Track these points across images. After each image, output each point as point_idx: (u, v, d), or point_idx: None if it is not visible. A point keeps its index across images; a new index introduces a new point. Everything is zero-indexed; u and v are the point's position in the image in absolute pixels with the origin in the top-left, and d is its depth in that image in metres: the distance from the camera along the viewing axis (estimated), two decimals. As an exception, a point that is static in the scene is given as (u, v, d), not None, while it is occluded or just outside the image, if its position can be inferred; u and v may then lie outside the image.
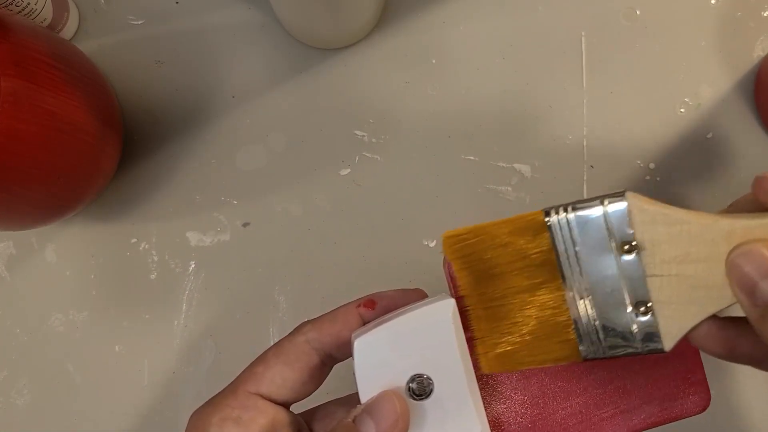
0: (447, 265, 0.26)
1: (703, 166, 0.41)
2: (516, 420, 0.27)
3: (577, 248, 0.23)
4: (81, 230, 0.42)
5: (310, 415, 0.28)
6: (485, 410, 0.25)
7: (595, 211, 0.23)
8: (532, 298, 0.24)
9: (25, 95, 0.31)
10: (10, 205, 0.33)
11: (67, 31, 0.42)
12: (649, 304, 0.23)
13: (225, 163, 0.42)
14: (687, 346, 0.24)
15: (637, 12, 0.42)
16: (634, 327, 0.23)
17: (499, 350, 0.25)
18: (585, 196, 0.37)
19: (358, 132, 0.42)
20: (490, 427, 0.26)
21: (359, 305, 0.27)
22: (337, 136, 0.42)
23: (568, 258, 0.23)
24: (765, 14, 0.41)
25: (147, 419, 0.41)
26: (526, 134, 0.41)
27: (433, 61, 0.42)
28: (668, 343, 0.23)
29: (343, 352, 0.26)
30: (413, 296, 0.27)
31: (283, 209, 0.41)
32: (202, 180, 0.42)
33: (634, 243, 0.22)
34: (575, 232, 0.23)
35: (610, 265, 0.23)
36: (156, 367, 0.41)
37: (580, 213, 0.23)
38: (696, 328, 0.23)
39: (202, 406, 0.26)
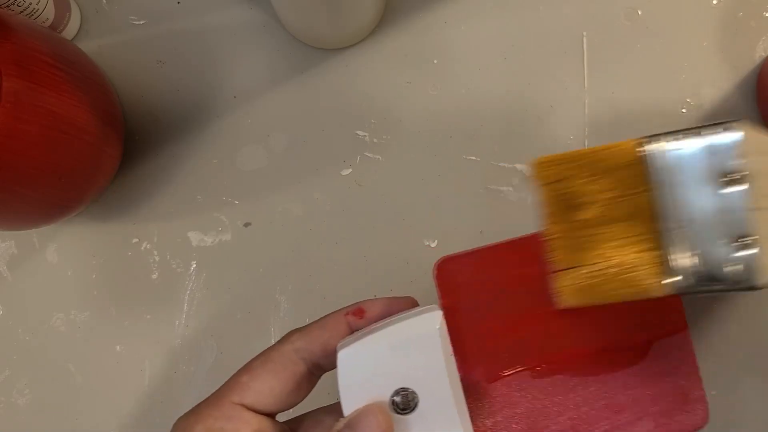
0: (436, 272, 0.26)
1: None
2: None
3: (675, 178, 0.22)
4: (82, 230, 0.42)
5: (297, 423, 0.28)
6: (473, 426, 0.25)
7: (702, 140, 0.21)
8: (624, 229, 0.23)
9: (27, 95, 0.31)
10: (12, 204, 0.33)
11: (69, 31, 0.42)
12: (750, 239, 0.21)
13: (226, 163, 0.42)
14: (686, 360, 0.23)
15: (639, 12, 0.42)
16: (731, 262, 0.21)
17: (584, 282, 0.23)
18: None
19: (359, 132, 0.42)
20: None
21: (347, 313, 0.26)
22: (339, 136, 0.42)
23: (663, 188, 0.22)
24: (767, 14, 0.41)
25: (148, 419, 0.41)
26: (527, 134, 0.41)
27: (435, 61, 0.42)
28: (765, 279, 0.21)
29: (331, 361, 0.25)
30: (403, 305, 0.26)
31: (284, 209, 0.41)
32: (203, 180, 0.42)
33: (739, 174, 0.21)
34: (675, 161, 0.22)
35: (711, 197, 0.21)
36: (157, 367, 0.41)
37: (685, 141, 0.22)
38: None
39: (187, 413, 0.25)
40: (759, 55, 0.41)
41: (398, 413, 0.24)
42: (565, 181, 0.23)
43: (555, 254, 0.24)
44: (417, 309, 0.26)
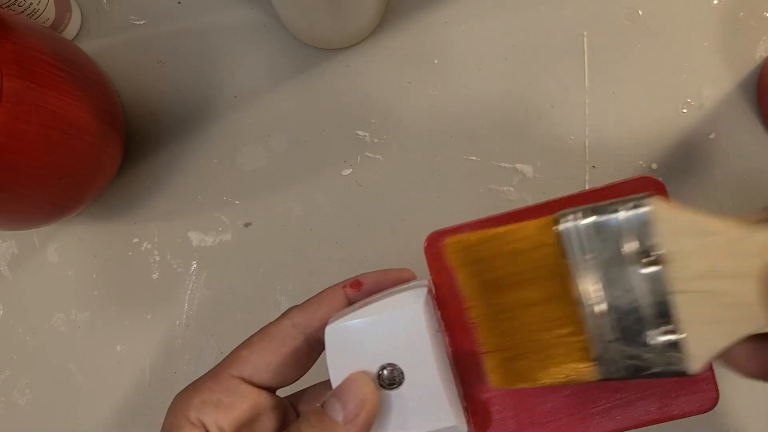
0: (426, 247, 0.25)
1: (706, 166, 0.40)
2: (498, 411, 0.25)
3: (593, 258, 0.21)
4: (83, 230, 0.42)
5: (297, 398, 0.28)
6: (468, 398, 0.25)
7: (614, 217, 0.20)
8: (544, 312, 0.22)
9: (28, 95, 0.31)
10: (13, 204, 0.33)
11: (70, 32, 0.42)
12: (674, 323, 0.20)
13: (227, 163, 0.42)
14: None
15: (639, 12, 0.42)
16: (656, 347, 0.20)
17: (508, 366, 0.23)
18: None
19: (359, 132, 0.42)
20: (469, 418, 0.25)
21: (345, 286, 0.26)
22: (339, 136, 0.42)
23: (582, 268, 0.21)
24: (767, 14, 0.41)
25: (148, 419, 0.41)
26: (528, 134, 0.41)
27: (435, 62, 0.42)
28: (695, 365, 0.20)
29: None
30: (401, 276, 0.26)
31: (284, 209, 0.41)
32: (203, 180, 0.42)
33: (658, 254, 0.20)
34: (591, 239, 0.21)
35: (631, 278, 0.20)
36: (157, 366, 0.41)
37: (597, 218, 0.21)
38: (727, 349, 0.20)
39: (184, 389, 0.26)
40: (759, 55, 0.41)
41: (385, 388, 0.24)
42: (481, 262, 0.23)
43: (480, 337, 0.23)
44: (407, 284, 0.26)
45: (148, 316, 0.41)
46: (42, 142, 0.32)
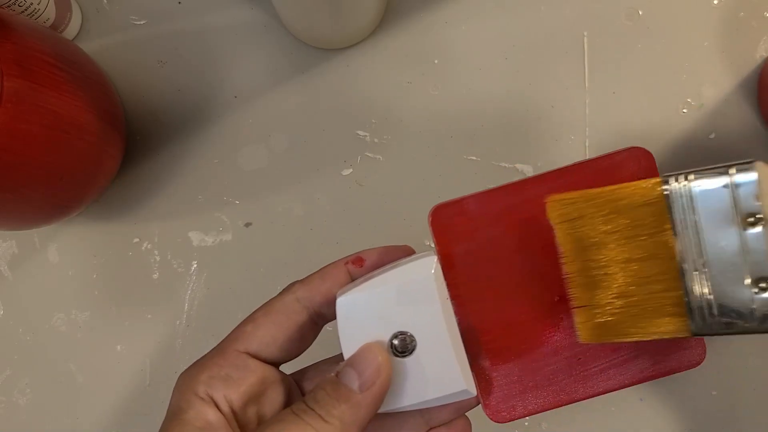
0: (431, 219, 0.26)
1: (706, 166, 0.40)
2: (502, 376, 0.26)
3: (696, 218, 0.22)
4: (83, 230, 0.42)
5: (301, 375, 0.28)
6: (471, 368, 0.25)
7: (719, 181, 0.21)
8: (642, 269, 0.23)
9: (28, 95, 0.31)
10: (13, 204, 0.33)
11: (70, 31, 0.42)
12: None
13: (227, 163, 0.42)
14: None
15: (640, 12, 0.42)
16: (753, 304, 0.21)
17: (600, 320, 0.23)
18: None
19: (360, 132, 0.42)
20: (476, 382, 0.26)
21: (347, 262, 0.27)
22: (339, 136, 0.42)
23: (685, 228, 0.22)
24: (767, 14, 0.41)
25: (149, 419, 0.41)
26: (528, 134, 0.41)
27: (435, 61, 0.42)
28: None
29: (333, 310, 0.26)
30: (401, 252, 0.27)
31: (285, 209, 0.41)
32: (204, 180, 0.42)
33: (760, 216, 0.21)
34: (695, 201, 0.22)
35: (732, 238, 0.21)
36: (158, 366, 0.41)
37: (703, 181, 0.22)
38: None
39: (190, 366, 0.26)
40: (760, 55, 0.41)
41: (397, 356, 0.24)
42: (581, 219, 0.23)
43: (574, 292, 0.24)
44: (413, 256, 0.26)
45: (149, 316, 0.41)
46: (42, 142, 0.32)
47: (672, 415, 0.40)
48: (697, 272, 0.22)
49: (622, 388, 0.26)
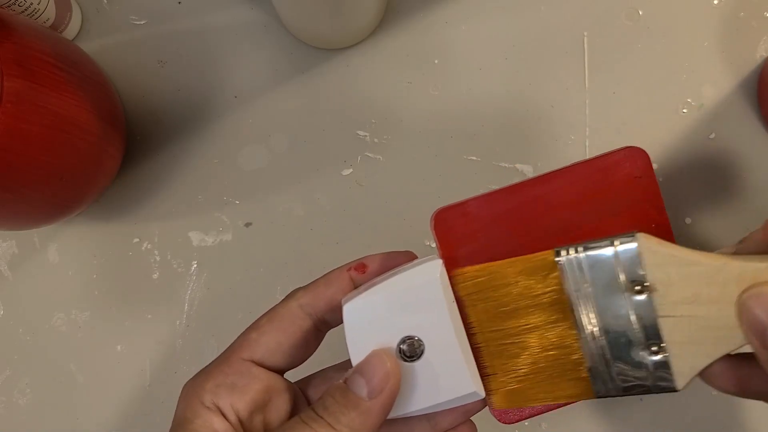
0: (433, 223, 0.26)
1: (706, 166, 0.41)
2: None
3: (588, 288, 0.23)
4: (83, 230, 0.42)
5: (306, 383, 0.28)
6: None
7: (606, 251, 0.23)
8: (544, 337, 0.24)
9: (28, 95, 0.31)
10: (13, 204, 0.33)
11: (70, 31, 0.42)
12: (661, 344, 0.23)
13: (227, 163, 0.42)
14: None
15: (640, 12, 0.42)
16: (647, 366, 0.23)
17: (510, 387, 0.25)
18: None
19: (360, 132, 0.42)
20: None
21: (350, 269, 0.27)
22: (340, 137, 0.42)
23: (579, 297, 0.23)
24: (767, 14, 0.41)
25: (149, 419, 0.41)
26: (528, 134, 0.41)
27: (436, 62, 0.42)
28: (681, 381, 0.23)
29: (336, 316, 0.26)
30: (404, 258, 0.27)
31: (285, 209, 0.41)
32: (204, 180, 0.42)
33: (645, 283, 0.23)
34: (586, 271, 0.23)
35: (622, 305, 0.23)
36: (158, 366, 0.41)
37: (591, 253, 0.23)
38: (708, 367, 0.23)
39: (195, 375, 0.26)
40: (760, 55, 0.41)
41: (405, 360, 0.24)
42: (485, 291, 0.25)
43: (483, 361, 0.25)
44: (417, 260, 0.26)
45: (149, 316, 0.41)
46: (43, 142, 0.32)
47: (672, 415, 0.40)
48: (593, 338, 0.23)
49: None
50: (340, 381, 0.23)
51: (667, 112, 0.41)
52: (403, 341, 0.24)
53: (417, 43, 0.42)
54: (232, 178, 0.42)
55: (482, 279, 0.25)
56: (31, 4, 0.38)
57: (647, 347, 0.23)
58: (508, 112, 0.41)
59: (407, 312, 0.24)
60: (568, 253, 0.23)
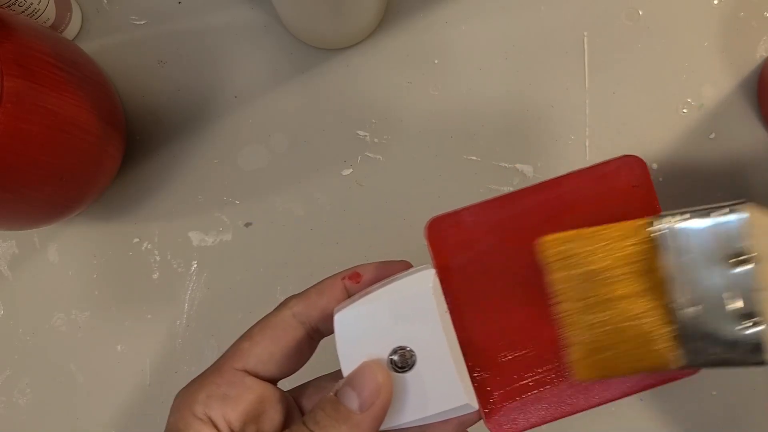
0: (427, 233, 0.26)
1: (706, 166, 0.41)
2: (500, 389, 0.26)
3: (686, 257, 0.23)
4: (83, 230, 0.42)
5: (299, 392, 0.28)
6: (471, 379, 0.25)
7: (709, 220, 0.22)
8: (634, 306, 0.24)
9: (28, 95, 0.31)
10: (13, 204, 0.33)
11: (70, 31, 0.42)
12: (758, 318, 0.22)
13: (227, 163, 0.42)
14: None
15: (640, 12, 0.42)
16: (740, 339, 0.22)
17: (596, 356, 0.24)
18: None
19: (360, 132, 0.42)
20: (477, 396, 0.26)
21: (344, 278, 0.26)
22: (340, 137, 0.42)
23: (675, 266, 0.23)
24: (767, 14, 0.41)
25: (149, 419, 0.41)
26: (528, 134, 0.41)
27: (436, 62, 0.42)
28: None
29: (329, 326, 0.25)
30: (398, 267, 0.26)
31: (285, 209, 0.41)
32: (204, 180, 0.42)
33: (747, 255, 0.22)
34: (686, 239, 0.23)
35: (720, 276, 0.22)
36: (158, 366, 0.41)
37: (693, 221, 0.22)
38: None
39: (187, 385, 0.25)
40: (760, 55, 0.41)
41: (397, 371, 0.24)
42: (574, 258, 0.24)
43: (568, 330, 0.24)
44: (411, 270, 0.26)
45: (149, 316, 0.41)
46: (43, 142, 0.32)
47: (672, 416, 0.40)
48: (687, 309, 0.23)
49: (623, 398, 0.26)
50: (331, 393, 0.23)
51: (667, 112, 0.41)
52: (394, 352, 0.24)
53: (417, 43, 0.42)
54: (232, 178, 0.42)
55: (571, 245, 0.24)
56: (31, 4, 0.38)
57: (743, 320, 0.22)
58: (508, 112, 0.41)
59: (399, 322, 0.24)
60: (668, 220, 0.23)
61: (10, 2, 0.36)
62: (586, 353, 0.24)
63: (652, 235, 0.23)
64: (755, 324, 0.22)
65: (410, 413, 0.24)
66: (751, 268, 0.22)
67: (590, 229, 0.24)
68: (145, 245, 0.42)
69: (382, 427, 0.24)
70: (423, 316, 0.24)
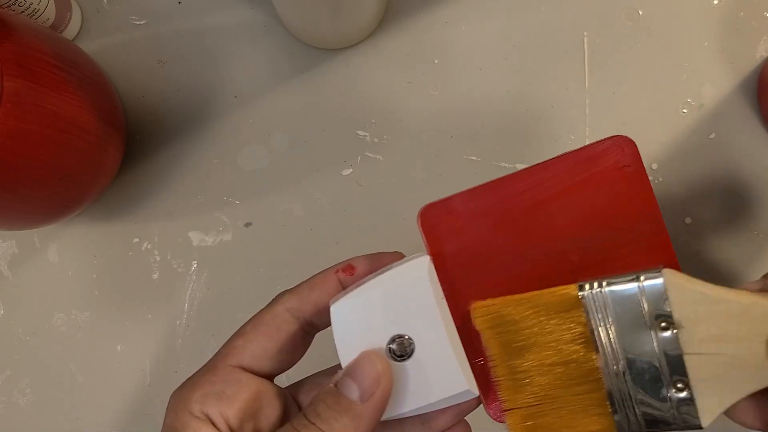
0: (420, 220, 0.26)
1: (706, 166, 0.41)
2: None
3: (611, 323, 0.23)
4: (83, 230, 0.42)
5: (296, 388, 0.28)
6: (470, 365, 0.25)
7: (631, 287, 0.23)
8: (565, 371, 0.24)
9: (28, 95, 0.31)
10: (13, 204, 0.33)
11: (70, 31, 0.42)
12: (686, 381, 0.22)
13: (227, 163, 0.42)
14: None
15: (640, 12, 0.42)
16: (671, 403, 0.23)
17: (529, 422, 0.24)
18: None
19: (360, 132, 0.42)
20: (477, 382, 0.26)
21: (338, 271, 0.26)
22: (340, 137, 0.42)
23: (602, 332, 0.23)
24: (767, 14, 0.41)
25: (149, 419, 0.41)
26: (528, 134, 0.41)
27: (436, 62, 0.42)
28: (706, 419, 0.23)
29: (324, 319, 0.25)
30: (391, 258, 0.26)
31: (285, 209, 0.41)
32: (204, 180, 0.42)
33: (671, 320, 0.22)
34: (610, 307, 0.23)
35: (647, 341, 0.23)
36: (158, 366, 0.41)
37: (615, 288, 0.23)
38: (734, 405, 0.22)
39: (182, 384, 0.25)
40: (760, 55, 0.41)
41: (396, 360, 0.24)
42: (505, 325, 0.24)
43: (502, 395, 0.25)
44: (405, 258, 0.26)
45: (149, 316, 0.41)
46: (43, 142, 0.32)
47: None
48: (617, 374, 0.23)
49: None
50: (331, 385, 0.23)
51: (667, 112, 0.41)
52: (392, 340, 0.24)
53: (417, 43, 0.42)
54: (232, 178, 0.42)
55: (502, 313, 0.24)
56: (31, 4, 0.38)
57: (672, 384, 0.23)
58: (508, 112, 0.41)
59: (396, 310, 0.24)
60: (591, 288, 0.23)
61: (10, 2, 0.36)
62: (522, 419, 0.24)
63: (579, 300, 0.23)
64: (684, 389, 0.23)
65: (411, 402, 0.24)
66: (673, 334, 0.22)
67: (519, 296, 0.24)
68: (145, 245, 0.42)
69: (383, 417, 0.23)
70: (420, 304, 0.24)
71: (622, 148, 0.26)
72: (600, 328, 0.23)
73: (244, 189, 0.42)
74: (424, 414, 0.25)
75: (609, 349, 0.23)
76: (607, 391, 0.23)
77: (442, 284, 0.25)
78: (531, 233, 0.25)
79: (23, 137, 0.31)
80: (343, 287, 0.26)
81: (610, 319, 0.23)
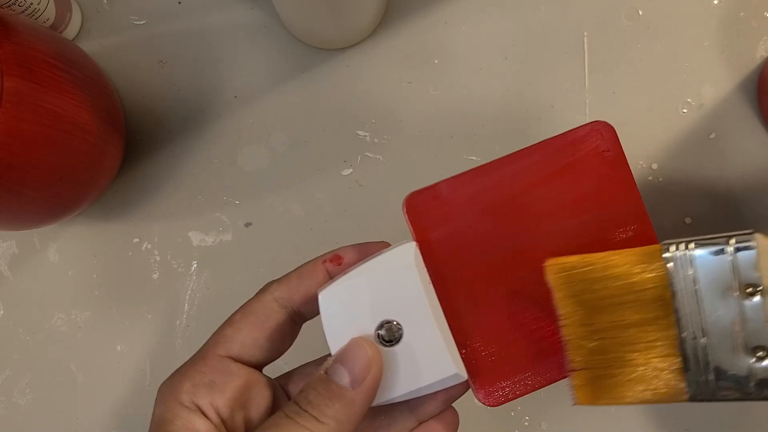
0: (406, 208, 0.26)
1: (706, 166, 0.41)
2: (490, 357, 0.26)
3: (696, 286, 0.22)
4: (83, 230, 0.42)
5: (285, 379, 0.28)
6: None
7: (720, 250, 0.22)
8: (639, 334, 0.23)
9: (28, 95, 0.31)
10: (13, 204, 0.33)
11: (70, 31, 0.42)
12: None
13: (227, 163, 0.42)
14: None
15: (640, 12, 0.42)
16: (750, 372, 0.22)
17: (598, 384, 0.24)
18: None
19: (360, 132, 0.42)
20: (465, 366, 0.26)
21: (325, 261, 0.26)
22: (340, 137, 0.42)
23: (684, 296, 0.22)
24: (767, 14, 0.41)
25: (149, 419, 0.41)
26: (528, 134, 0.41)
27: (436, 61, 0.42)
28: None
29: (312, 309, 0.26)
30: (379, 247, 0.26)
31: (285, 209, 0.41)
32: (204, 180, 0.42)
33: (759, 287, 0.21)
34: (696, 269, 0.22)
35: (731, 307, 0.22)
36: (158, 367, 0.41)
37: (703, 250, 0.22)
38: None
39: (171, 375, 0.25)
40: (760, 55, 0.41)
41: (385, 345, 0.24)
42: (582, 283, 0.24)
43: (571, 355, 0.24)
44: (392, 246, 0.26)
45: (149, 316, 0.41)
46: (43, 142, 0.32)
47: (671, 415, 0.40)
48: (695, 340, 0.22)
49: None
50: (321, 372, 0.23)
51: (667, 112, 0.41)
52: (381, 326, 0.24)
53: (417, 43, 0.42)
54: (232, 178, 0.42)
55: (580, 270, 0.24)
56: (31, 4, 0.38)
57: (753, 352, 0.22)
58: (508, 112, 0.41)
59: (384, 296, 0.24)
60: (677, 248, 0.22)
61: (10, 2, 0.36)
62: (588, 380, 0.24)
63: (662, 262, 0.22)
64: (765, 357, 0.22)
65: (401, 387, 0.24)
66: (759, 301, 0.21)
67: (598, 255, 0.23)
68: (145, 245, 0.42)
69: (374, 403, 0.23)
70: (407, 289, 0.24)
71: (602, 133, 0.26)
72: (683, 291, 0.22)
73: (244, 189, 0.42)
74: (412, 401, 0.25)
75: (690, 313, 0.22)
76: (682, 357, 0.23)
77: (428, 270, 0.25)
78: (516, 218, 0.25)
79: (23, 137, 0.31)
80: (331, 277, 0.26)
81: (695, 282, 0.22)
